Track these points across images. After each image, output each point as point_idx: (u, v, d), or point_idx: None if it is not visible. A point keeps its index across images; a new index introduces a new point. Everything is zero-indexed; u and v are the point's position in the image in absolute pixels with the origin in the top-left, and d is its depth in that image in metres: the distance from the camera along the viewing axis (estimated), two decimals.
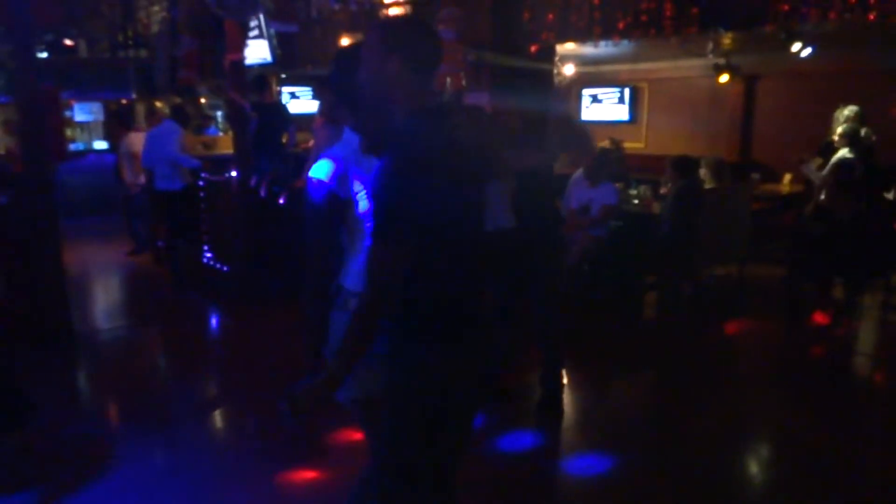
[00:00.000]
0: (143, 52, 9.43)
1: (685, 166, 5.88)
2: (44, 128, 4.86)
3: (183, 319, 5.76)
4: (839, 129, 6.40)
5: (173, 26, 9.50)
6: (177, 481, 3.17)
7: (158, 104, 12.39)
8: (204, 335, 5.60)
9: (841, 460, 3.36)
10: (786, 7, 5.36)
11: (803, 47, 6.31)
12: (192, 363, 4.79)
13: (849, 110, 6.59)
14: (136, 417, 3.88)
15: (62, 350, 4.87)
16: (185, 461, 3.36)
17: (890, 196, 6.15)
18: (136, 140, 7.29)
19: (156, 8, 9.74)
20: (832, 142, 6.55)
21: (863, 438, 3.62)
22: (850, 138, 6.24)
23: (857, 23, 5.34)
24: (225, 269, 6.18)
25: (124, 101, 12.58)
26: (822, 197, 6.16)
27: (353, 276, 1.99)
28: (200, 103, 10.75)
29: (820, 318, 5.50)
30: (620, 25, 5.66)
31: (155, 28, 9.83)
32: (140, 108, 13.03)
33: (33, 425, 3.41)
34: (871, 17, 5.16)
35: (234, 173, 5.84)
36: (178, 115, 6.66)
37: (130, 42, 9.35)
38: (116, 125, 8.25)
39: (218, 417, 3.99)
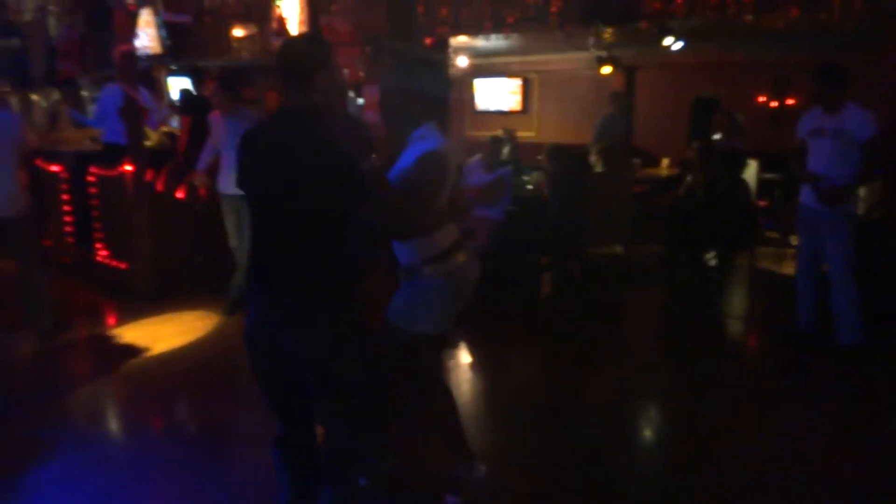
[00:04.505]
0: (16, 41, 8.85)
1: (556, 153, 6.35)
2: None
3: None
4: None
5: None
6: None
7: (35, 97, 11.63)
8: None
9: (709, 410, 3.83)
10: (657, 5, 5.87)
11: (674, 41, 6.91)
12: None
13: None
14: None
15: None
16: None
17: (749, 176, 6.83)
18: None
19: None
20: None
21: (733, 391, 4.12)
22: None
23: (719, 20, 5.93)
24: (123, 266, 6.02)
25: None
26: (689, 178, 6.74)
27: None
28: (82, 97, 10.21)
29: (693, 286, 6.06)
30: (510, 20, 5.99)
31: (28, 16, 9.24)
32: (14, 102, 12.14)
33: None
34: (730, 14, 5.76)
35: (128, 168, 5.69)
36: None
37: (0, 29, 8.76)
38: None
39: None
